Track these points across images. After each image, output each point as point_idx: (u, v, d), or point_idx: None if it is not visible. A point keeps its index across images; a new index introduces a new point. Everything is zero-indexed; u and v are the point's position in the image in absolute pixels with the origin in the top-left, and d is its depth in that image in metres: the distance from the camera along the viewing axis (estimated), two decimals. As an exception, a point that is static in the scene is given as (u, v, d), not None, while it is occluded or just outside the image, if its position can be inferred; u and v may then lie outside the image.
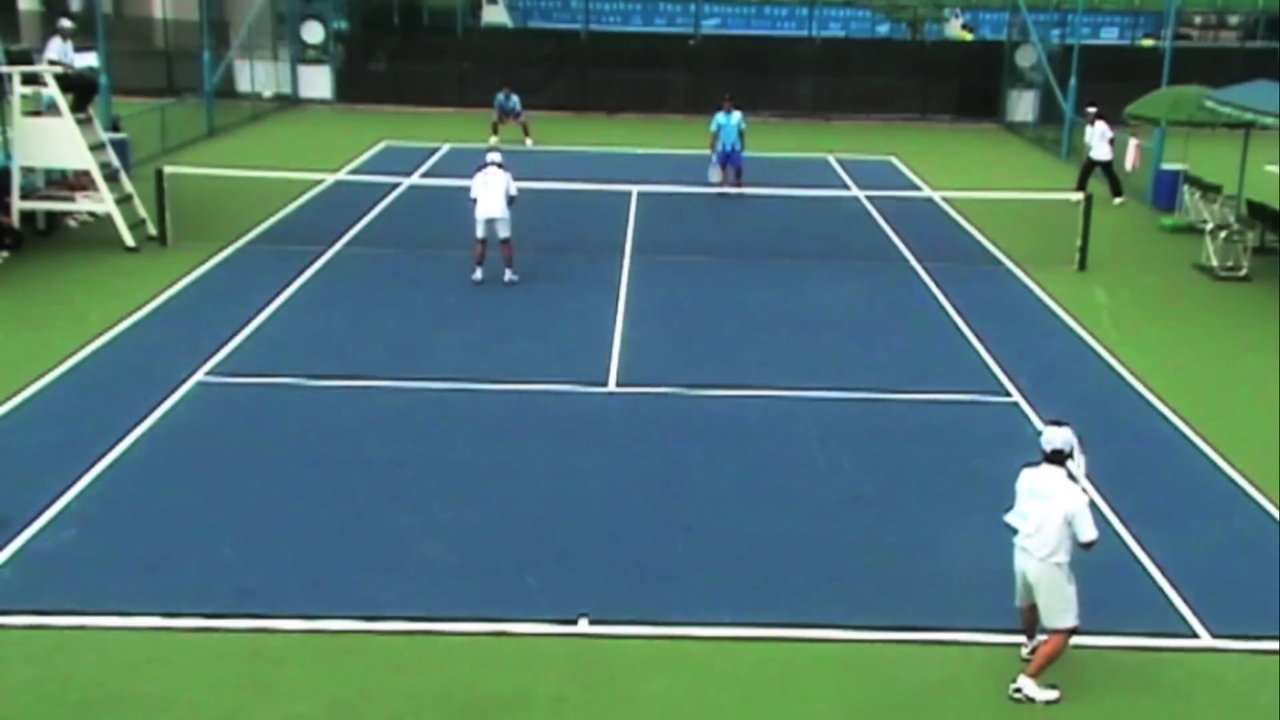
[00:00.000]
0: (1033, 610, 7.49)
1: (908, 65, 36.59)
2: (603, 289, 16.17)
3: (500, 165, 16.56)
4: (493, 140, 27.40)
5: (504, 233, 16.33)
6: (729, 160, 22.77)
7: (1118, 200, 22.93)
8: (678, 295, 16.17)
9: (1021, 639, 7.74)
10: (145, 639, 7.83)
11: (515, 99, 29.23)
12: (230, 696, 7.27)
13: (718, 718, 7.26)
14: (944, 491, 10.31)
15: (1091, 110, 23.49)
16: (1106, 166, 23.23)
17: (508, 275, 16.31)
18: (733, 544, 9.28)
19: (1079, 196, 18.91)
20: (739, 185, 22.53)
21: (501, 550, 9.10)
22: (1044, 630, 7.46)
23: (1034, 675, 7.39)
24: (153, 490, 9.96)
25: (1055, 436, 7.27)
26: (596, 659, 7.78)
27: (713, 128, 22.91)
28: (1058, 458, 7.27)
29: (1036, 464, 7.38)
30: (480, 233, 16.28)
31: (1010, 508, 7.49)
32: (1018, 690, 7.38)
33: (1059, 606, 7.29)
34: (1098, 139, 23.16)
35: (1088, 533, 7.13)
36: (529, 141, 28.62)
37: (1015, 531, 7.43)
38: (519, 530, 9.42)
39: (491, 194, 16.20)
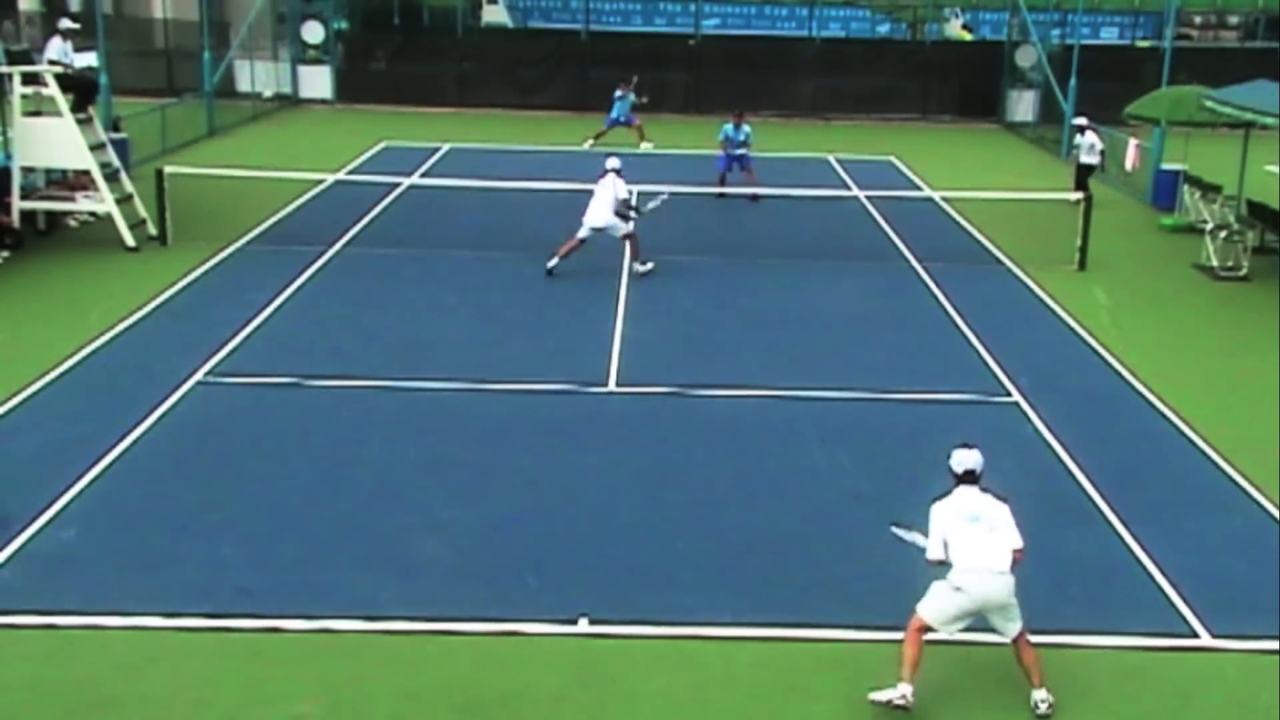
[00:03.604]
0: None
1: (908, 65, 36.61)
2: (603, 289, 16.18)
3: (617, 172, 16.92)
4: (588, 144, 27.65)
5: (619, 234, 16.77)
6: (733, 163, 22.78)
7: (1075, 197, 22.02)
8: (678, 295, 16.18)
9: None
10: (146, 639, 7.83)
11: (631, 98, 28.05)
12: (231, 696, 7.28)
13: (718, 718, 7.27)
14: (944, 491, 10.28)
15: (1081, 122, 23.13)
16: (1089, 170, 22.71)
17: (636, 267, 16.75)
18: (733, 544, 9.29)
19: (1078, 196, 18.88)
20: (724, 186, 22.51)
21: (502, 550, 9.10)
22: (1015, 641, 7.35)
23: (1042, 681, 7.32)
24: (153, 490, 9.96)
25: (968, 458, 7.44)
26: (596, 659, 7.78)
27: (720, 137, 22.92)
28: (971, 478, 7.43)
29: (945, 495, 7.45)
30: (582, 234, 16.68)
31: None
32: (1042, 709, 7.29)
33: (1019, 609, 7.29)
34: (1085, 150, 22.72)
35: (1020, 539, 7.26)
36: (646, 145, 28.17)
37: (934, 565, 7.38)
38: (519, 530, 9.42)
39: (598, 203, 16.67)
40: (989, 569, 7.17)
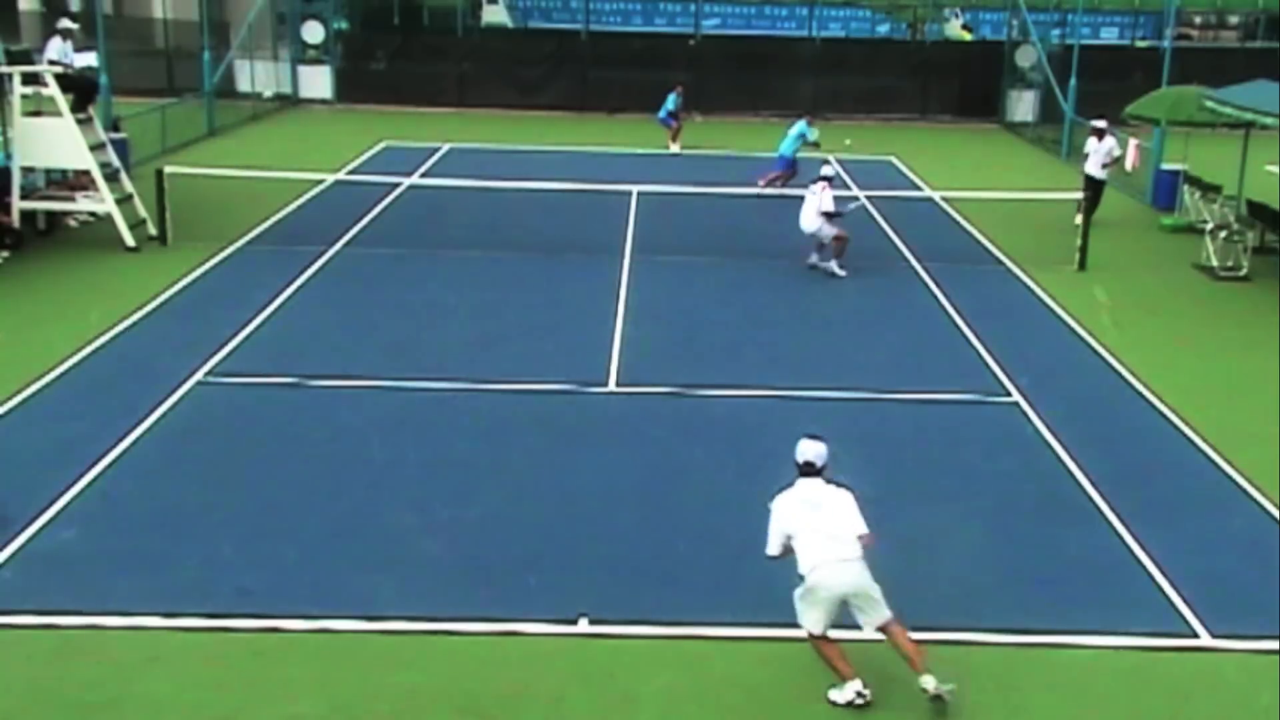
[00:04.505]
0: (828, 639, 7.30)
1: (908, 65, 36.65)
2: (603, 289, 16.17)
3: (827, 179, 17.59)
4: (674, 148, 28.11)
5: (826, 238, 17.33)
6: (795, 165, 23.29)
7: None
8: (678, 295, 16.17)
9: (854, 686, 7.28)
10: (146, 639, 7.83)
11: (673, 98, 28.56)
12: (231, 696, 7.27)
13: (718, 718, 7.26)
14: (944, 491, 10.31)
15: (1100, 124, 21.51)
16: (1099, 185, 21.28)
17: (833, 267, 17.27)
18: (733, 544, 9.27)
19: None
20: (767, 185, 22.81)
21: (501, 550, 9.10)
22: (882, 629, 7.24)
23: (925, 666, 7.18)
24: (153, 490, 9.95)
25: (808, 449, 7.40)
26: (596, 659, 7.78)
27: (800, 142, 23.35)
28: (811, 470, 7.39)
29: (788, 486, 7.40)
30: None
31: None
32: (931, 690, 7.15)
33: (880, 594, 7.22)
34: (1103, 156, 21.23)
35: (864, 526, 7.30)
36: (674, 146, 28.40)
37: (775, 557, 7.37)
38: (519, 530, 9.42)
39: (807, 209, 17.45)
40: (835, 558, 7.16)
